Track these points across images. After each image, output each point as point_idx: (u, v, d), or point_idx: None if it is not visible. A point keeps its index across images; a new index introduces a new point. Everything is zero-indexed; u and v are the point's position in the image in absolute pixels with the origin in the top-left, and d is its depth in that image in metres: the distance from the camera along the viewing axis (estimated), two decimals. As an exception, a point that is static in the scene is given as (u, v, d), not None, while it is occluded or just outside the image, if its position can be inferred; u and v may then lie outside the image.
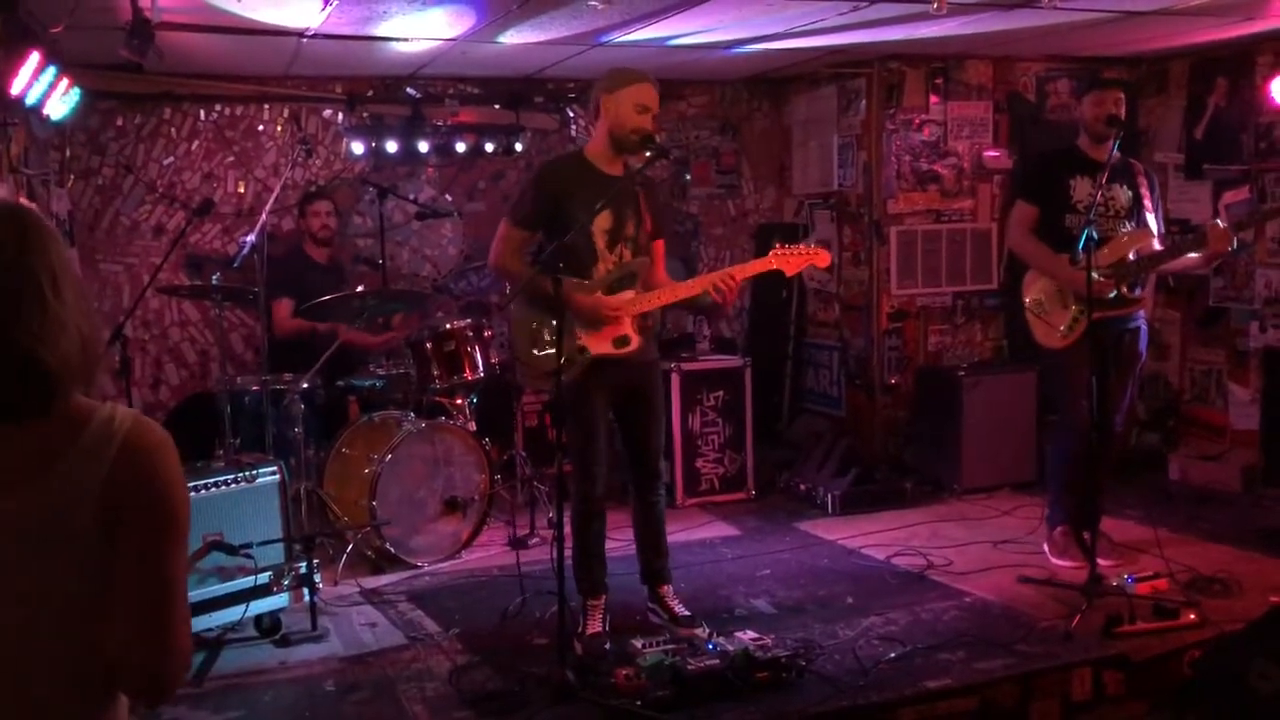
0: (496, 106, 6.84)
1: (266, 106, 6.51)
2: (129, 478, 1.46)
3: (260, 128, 6.52)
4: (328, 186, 6.52)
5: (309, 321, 5.66)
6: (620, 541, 4.65)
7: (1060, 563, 4.90)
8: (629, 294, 4.03)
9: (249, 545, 4.15)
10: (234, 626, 4.22)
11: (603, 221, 4.02)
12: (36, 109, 4.69)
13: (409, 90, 6.65)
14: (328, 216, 6.05)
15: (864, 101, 6.76)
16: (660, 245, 4.23)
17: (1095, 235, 4.31)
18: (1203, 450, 6.57)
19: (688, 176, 7.34)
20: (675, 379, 6.08)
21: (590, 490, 4.15)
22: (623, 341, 4.02)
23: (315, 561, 4.39)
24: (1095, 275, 4.41)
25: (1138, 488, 6.10)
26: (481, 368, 5.56)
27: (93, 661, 1.48)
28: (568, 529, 3.84)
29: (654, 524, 4.32)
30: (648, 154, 4.06)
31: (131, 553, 1.46)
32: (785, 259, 4.06)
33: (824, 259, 4.12)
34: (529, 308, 4.09)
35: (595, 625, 4.14)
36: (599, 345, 4.02)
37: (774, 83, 7.45)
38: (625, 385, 4.12)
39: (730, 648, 3.71)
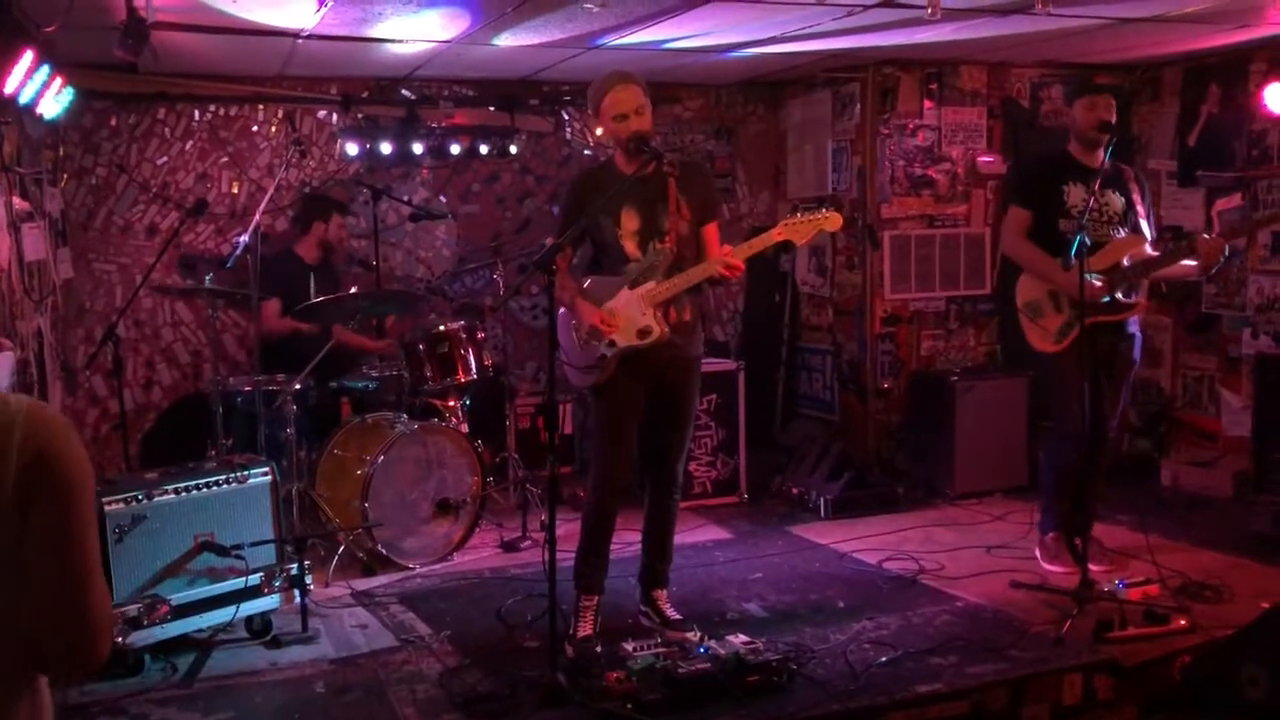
0: (491, 109, 6.84)
1: (261, 107, 6.50)
2: (35, 459, 1.51)
3: (255, 128, 6.51)
4: (336, 194, 6.50)
5: (298, 322, 5.66)
6: (617, 544, 4.63)
7: (1052, 568, 4.90)
8: (649, 285, 4.03)
9: (240, 546, 4.17)
10: (225, 627, 4.22)
11: (630, 222, 4.04)
12: (30, 108, 4.67)
13: (404, 92, 6.65)
14: (345, 229, 6.21)
15: (858, 106, 6.77)
16: (711, 229, 4.16)
17: (1089, 240, 4.32)
18: (1194, 456, 6.58)
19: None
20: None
21: (608, 486, 4.15)
22: (645, 332, 4.01)
23: (306, 563, 4.39)
24: (1090, 278, 4.43)
25: (1129, 493, 6.10)
26: (474, 370, 5.55)
27: (14, 644, 1.53)
28: (559, 531, 3.83)
29: (664, 527, 4.32)
30: (643, 158, 4.05)
31: (43, 531, 1.52)
32: (794, 228, 4.00)
33: (835, 222, 4.02)
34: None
35: (586, 628, 4.14)
36: (624, 337, 4.02)
37: (769, 86, 7.46)
38: (659, 380, 4.11)
39: (722, 651, 3.71)
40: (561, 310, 4.15)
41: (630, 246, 4.05)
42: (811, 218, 4.00)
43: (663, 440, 4.21)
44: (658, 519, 4.31)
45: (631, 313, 4.00)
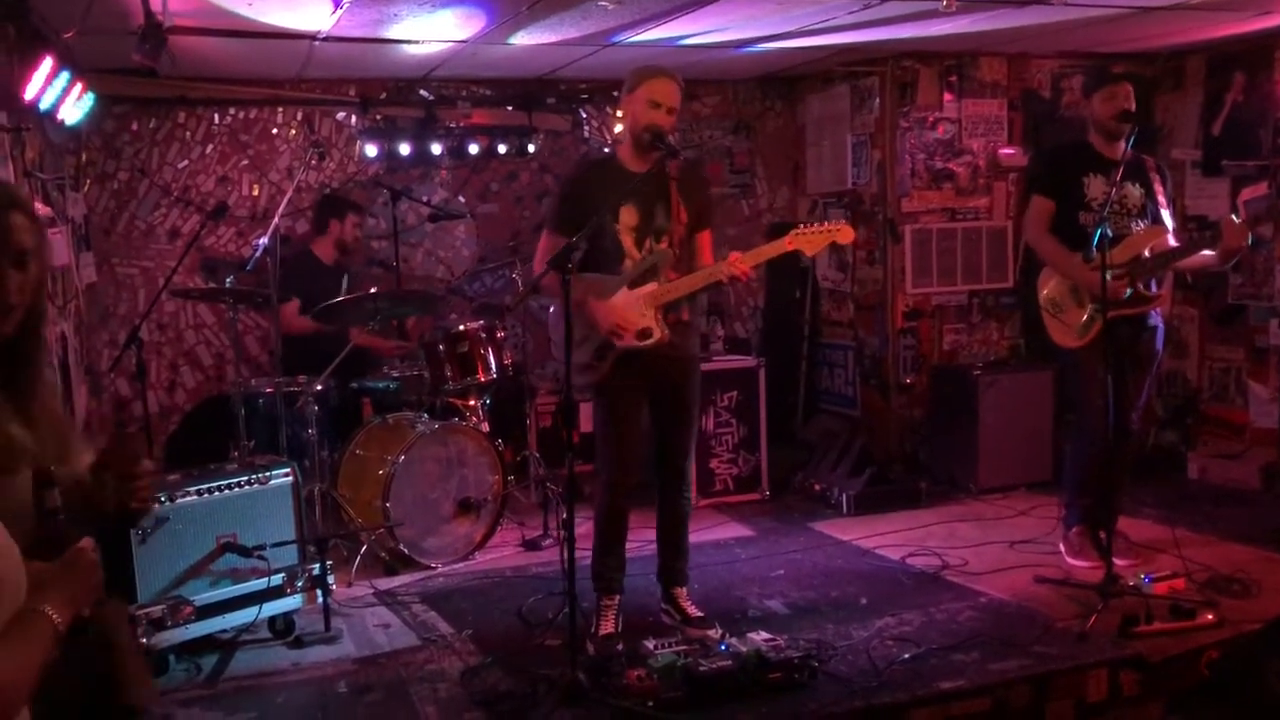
0: (509, 108, 6.85)
1: (280, 110, 6.54)
2: None
3: (274, 131, 6.54)
4: (351, 194, 6.52)
5: (318, 323, 5.68)
6: (636, 542, 4.64)
7: (1076, 563, 4.86)
8: (651, 286, 4.03)
9: (263, 547, 4.19)
10: (248, 628, 4.24)
11: (629, 218, 4.03)
12: (51, 114, 4.71)
13: (422, 92, 6.67)
14: (361, 229, 6.24)
15: (877, 100, 6.73)
16: (704, 237, 4.18)
17: (1110, 233, 4.27)
18: (1222, 449, 6.51)
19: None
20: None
21: (616, 487, 4.15)
22: (645, 334, 4.01)
23: (329, 563, 4.40)
24: (1109, 275, 4.38)
25: (1156, 487, 6.05)
26: (494, 369, 5.56)
27: None
28: (578, 530, 3.83)
29: (676, 524, 4.31)
30: (655, 153, 4.04)
31: None
32: (805, 239, 3.99)
33: (847, 235, 4.01)
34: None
35: (608, 626, 4.14)
36: (624, 339, 4.03)
37: (787, 81, 7.43)
38: (659, 380, 4.11)
39: (743, 649, 3.70)
40: (552, 309, 4.14)
41: (628, 242, 4.04)
42: (823, 229, 4.00)
43: (667, 440, 4.20)
44: (670, 518, 4.31)
45: (631, 313, 4.00)
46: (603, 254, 4.04)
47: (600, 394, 4.11)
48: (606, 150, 6.89)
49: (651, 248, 4.05)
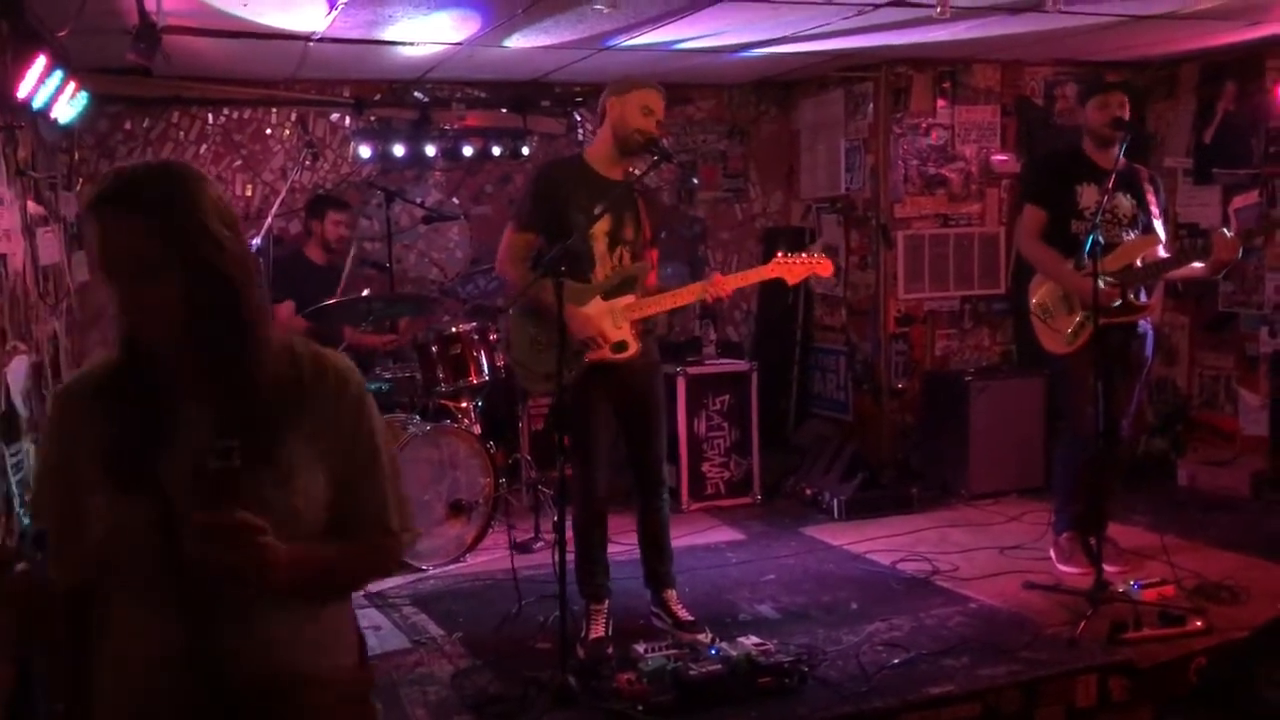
0: (503, 110, 6.85)
1: (274, 110, 6.53)
2: None
3: (268, 131, 6.53)
4: (336, 193, 6.51)
5: (311, 323, 5.67)
6: (625, 546, 4.64)
7: (1066, 569, 4.86)
8: (629, 298, 4.04)
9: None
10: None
11: (601, 224, 4.03)
12: (44, 112, 4.70)
13: (416, 94, 6.67)
14: (345, 227, 6.15)
15: (871, 105, 6.74)
16: (653, 254, 4.23)
17: (1102, 241, 4.29)
18: (1212, 456, 6.52)
19: (695, 180, 7.34)
20: (681, 383, 6.08)
21: (591, 495, 4.15)
22: (620, 347, 4.03)
23: (319, 564, 4.38)
24: (1100, 283, 4.40)
25: (1146, 494, 6.06)
26: (487, 371, 5.56)
27: None
28: (569, 533, 3.83)
29: (657, 529, 4.31)
30: (652, 156, 4.05)
31: None
32: (787, 267, 4.10)
33: (827, 268, 4.14)
34: (525, 311, 4.10)
35: (598, 630, 4.14)
36: (600, 350, 4.03)
37: (782, 86, 7.44)
38: (626, 390, 4.12)
39: (733, 653, 3.69)
40: (511, 310, 4.16)
41: (600, 248, 4.05)
42: (804, 259, 4.12)
43: (638, 447, 4.22)
44: (649, 523, 4.30)
45: (604, 324, 4.00)
46: (573, 257, 3.96)
47: (568, 408, 4.09)
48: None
49: (621, 255, 4.07)
